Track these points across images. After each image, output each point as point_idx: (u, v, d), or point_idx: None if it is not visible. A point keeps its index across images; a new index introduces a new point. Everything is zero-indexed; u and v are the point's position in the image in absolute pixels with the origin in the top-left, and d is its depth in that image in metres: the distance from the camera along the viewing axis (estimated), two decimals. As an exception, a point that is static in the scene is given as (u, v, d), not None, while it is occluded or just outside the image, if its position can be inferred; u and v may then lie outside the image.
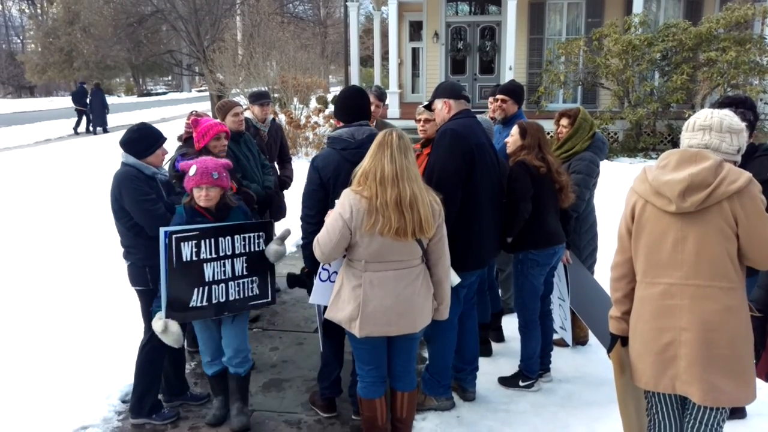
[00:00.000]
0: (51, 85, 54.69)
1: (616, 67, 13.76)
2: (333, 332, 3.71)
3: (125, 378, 4.26)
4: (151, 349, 3.72)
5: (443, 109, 3.65)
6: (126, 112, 31.99)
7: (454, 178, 3.43)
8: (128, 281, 3.78)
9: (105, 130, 22.08)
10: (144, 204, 3.52)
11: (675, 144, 13.93)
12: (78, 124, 22.30)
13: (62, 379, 4.28)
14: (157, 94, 51.36)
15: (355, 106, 3.60)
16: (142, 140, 3.61)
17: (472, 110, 3.82)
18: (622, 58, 13.65)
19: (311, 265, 3.53)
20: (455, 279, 3.48)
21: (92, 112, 22.02)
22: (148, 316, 3.73)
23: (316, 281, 3.38)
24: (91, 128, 22.26)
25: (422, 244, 3.10)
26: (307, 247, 3.50)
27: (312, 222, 3.47)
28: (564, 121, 4.36)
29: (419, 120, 4.47)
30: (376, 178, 2.94)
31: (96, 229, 8.28)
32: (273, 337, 5.05)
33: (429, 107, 3.81)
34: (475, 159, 3.48)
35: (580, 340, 4.73)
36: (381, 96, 5.11)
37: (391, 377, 3.38)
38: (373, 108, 4.99)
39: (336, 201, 3.10)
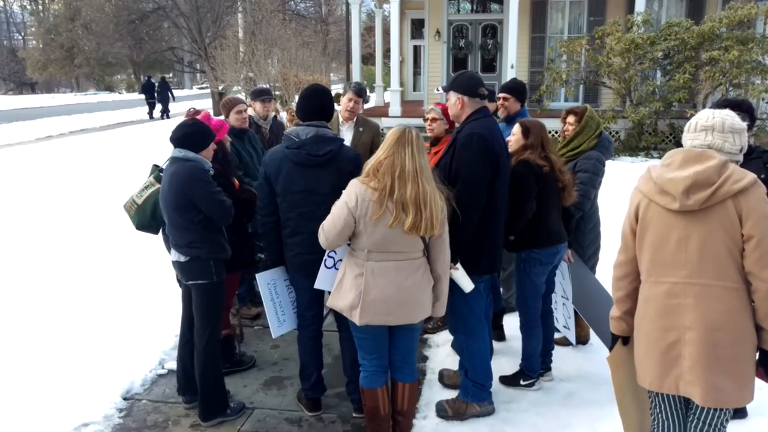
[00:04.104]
0: (52, 81, 54.75)
1: (619, 66, 13.74)
2: (307, 336, 3.81)
3: (127, 375, 4.28)
4: (213, 347, 3.73)
5: (456, 104, 3.57)
6: (128, 108, 31.99)
7: (480, 186, 3.37)
8: (183, 277, 3.71)
9: (166, 116, 26.18)
10: (216, 196, 3.54)
11: (677, 143, 13.92)
12: (151, 112, 26.72)
13: (64, 376, 4.28)
14: (158, 91, 51.35)
15: (311, 106, 3.60)
16: (198, 135, 3.60)
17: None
18: (625, 57, 13.63)
19: (274, 255, 3.73)
20: (469, 285, 3.49)
21: (160, 101, 26.33)
22: (208, 311, 3.71)
23: (322, 267, 3.45)
24: (157, 115, 26.47)
25: (425, 238, 3.14)
26: (264, 237, 3.72)
27: (262, 214, 3.64)
28: (571, 119, 4.35)
29: (427, 119, 4.50)
30: (395, 173, 3.00)
31: (108, 224, 8.28)
32: (274, 334, 5.04)
33: (446, 90, 3.70)
34: (499, 165, 3.43)
35: (581, 339, 4.72)
36: (360, 92, 5.08)
37: (392, 368, 3.43)
38: (351, 104, 5.02)
39: (343, 191, 3.15)
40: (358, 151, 4.39)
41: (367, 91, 6.47)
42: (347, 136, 5.07)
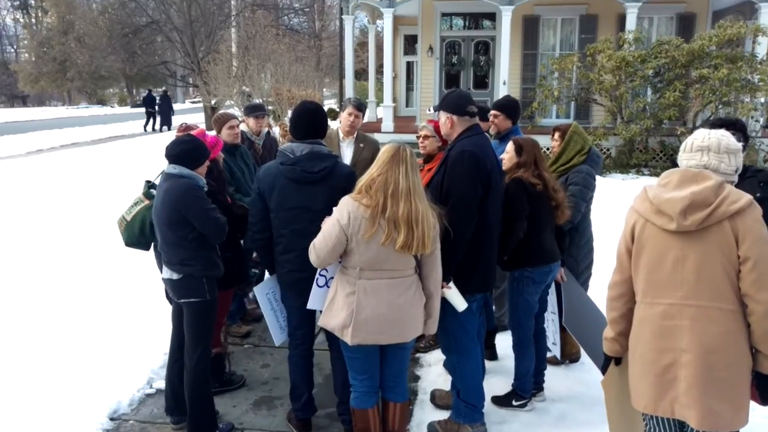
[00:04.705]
0: (44, 94, 54.65)
1: (610, 83, 13.83)
2: (297, 356, 3.76)
3: (114, 394, 4.21)
4: (204, 367, 3.67)
5: (446, 123, 3.57)
6: (120, 122, 31.91)
7: (472, 204, 3.36)
8: (175, 295, 3.66)
9: (169, 129, 26.48)
10: (211, 213, 3.51)
11: (670, 161, 14.00)
12: (147, 124, 27.49)
13: (49, 395, 4.20)
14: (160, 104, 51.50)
15: (303, 124, 3.59)
16: (194, 151, 3.58)
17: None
18: (616, 75, 13.73)
19: (269, 267, 3.76)
20: (462, 304, 3.46)
21: (161, 114, 27.11)
22: (200, 330, 3.65)
23: (314, 287, 3.41)
24: (157, 127, 27.23)
25: (416, 255, 3.12)
26: (258, 251, 3.78)
27: (254, 230, 3.63)
28: (556, 135, 4.43)
29: (419, 136, 4.50)
30: (388, 190, 2.99)
31: (98, 239, 8.21)
32: (264, 353, 4.99)
33: (437, 110, 3.71)
34: (491, 183, 3.43)
35: (572, 357, 4.70)
36: (360, 106, 5.05)
37: (383, 388, 3.39)
38: (352, 119, 4.98)
39: (333, 208, 3.12)
40: (359, 167, 4.36)
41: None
42: (348, 152, 5.03)
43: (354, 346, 3.13)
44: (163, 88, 31.35)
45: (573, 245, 4.39)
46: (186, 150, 3.55)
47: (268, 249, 3.64)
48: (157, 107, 27.40)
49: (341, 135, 5.06)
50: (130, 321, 5.42)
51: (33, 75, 46.40)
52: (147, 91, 29.71)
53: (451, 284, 3.41)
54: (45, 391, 4.27)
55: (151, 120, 27.61)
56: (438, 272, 3.23)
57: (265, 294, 3.84)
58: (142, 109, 28.21)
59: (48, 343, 5.04)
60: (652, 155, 14.31)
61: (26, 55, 51.89)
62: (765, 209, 2.49)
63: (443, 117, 3.59)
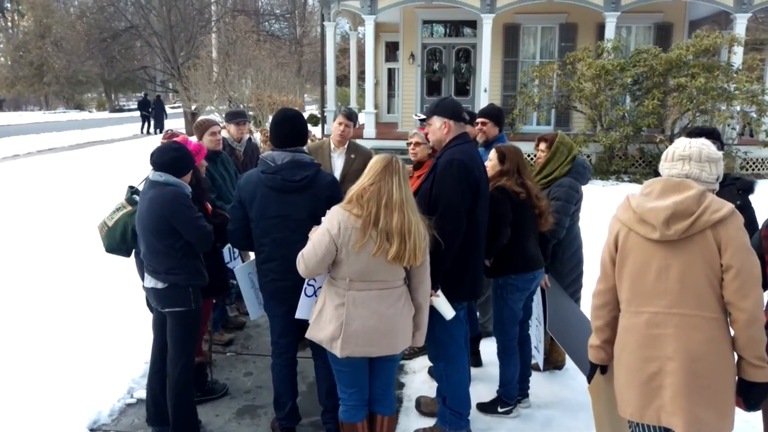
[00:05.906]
0: (20, 99, 53.86)
1: (590, 91, 13.98)
2: (281, 364, 3.73)
3: (94, 404, 4.14)
4: (187, 376, 3.63)
5: (442, 128, 3.54)
6: (98, 128, 31.57)
7: (460, 212, 3.36)
8: (160, 304, 3.60)
9: (162, 131, 26.58)
10: (198, 221, 3.47)
11: (647, 167, 14.18)
12: (143, 126, 28.80)
13: (26, 405, 4.11)
14: (130, 110, 50.80)
15: (283, 133, 3.55)
16: (182, 159, 3.55)
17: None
18: (595, 83, 13.89)
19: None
20: (450, 313, 3.45)
21: (154, 118, 28.35)
22: (184, 339, 3.61)
23: (302, 296, 3.37)
24: (152, 130, 28.32)
25: (406, 266, 3.09)
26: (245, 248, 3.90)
27: (236, 237, 3.67)
28: (542, 146, 4.37)
29: (410, 143, 4.49)
30: (381, 201, 2.95)
31: (76, 246, 8.09)
32: (247, 361, 4.94)
33: (424, 120, 3.70)
34: (479, 191, 3.43)
35: (557, 365, 4.71)
36: (350, 116, 4.94)
37: (371, 400, 3.34)
38: (342, 128, 4.89)
39: (322, 218, 3.09)
40: (349, 178, 4.29)
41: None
42: (338, 162, 4.91)
43: (343, 358, 3.08)
44: (157, 94, 32.00)
45: (557, 260, 4.37)
46: (174, 158, 3.51)
47: (251, 245, 3.64)
48: (151, 110, 28.33)
49: (332, 145, 4.95)
50: (110, 329, 5.34)
51: (9, 79, 45.80)
52: (143, 95, 30.85)
53: (440, 292, 3.40)
54: (23, 401, 4.18)
55: (146, 123, 28.52)
56: (427, 284, 3.20)
57: (246, 273, 3.87)
58: (121, 114, 28.10)
59: (26, 351, 4.95)
60: (632, 162, 14.49)
61: (2, 58, 51.14)
62: (745, 217, 2.52)
63: (439, 122, 3.54)
